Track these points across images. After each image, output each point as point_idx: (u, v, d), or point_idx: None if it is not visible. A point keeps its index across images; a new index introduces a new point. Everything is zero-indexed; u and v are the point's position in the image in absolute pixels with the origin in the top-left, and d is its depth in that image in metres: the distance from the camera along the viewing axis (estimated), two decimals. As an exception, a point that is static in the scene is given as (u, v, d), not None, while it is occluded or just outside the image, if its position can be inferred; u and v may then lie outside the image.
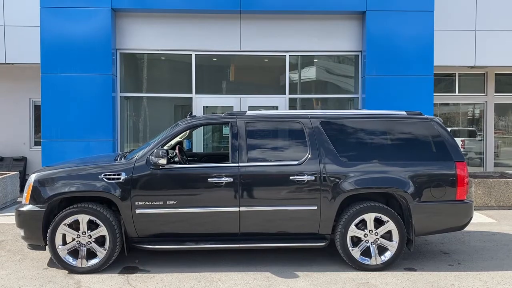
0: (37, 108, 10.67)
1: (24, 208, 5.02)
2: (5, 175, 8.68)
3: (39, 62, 8.96)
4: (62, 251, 4.96)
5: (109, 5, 8.91)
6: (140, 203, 4.98)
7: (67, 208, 4.98)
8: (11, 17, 9.66)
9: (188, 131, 5.75)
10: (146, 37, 9.39)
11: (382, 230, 5.10)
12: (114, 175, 5.00)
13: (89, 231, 4.97)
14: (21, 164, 10.61)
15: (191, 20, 9.37)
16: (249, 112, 5.48)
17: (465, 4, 10.03)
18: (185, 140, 6.74)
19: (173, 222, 5.08)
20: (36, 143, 10.73)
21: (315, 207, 5.07)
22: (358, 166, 5.15)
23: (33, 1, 9.25)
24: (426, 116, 5.50)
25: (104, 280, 4.79)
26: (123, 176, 4.99)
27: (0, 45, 9.64)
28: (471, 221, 5.39)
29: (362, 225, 5.11)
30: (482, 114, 11.67)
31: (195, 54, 9.57)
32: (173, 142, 5.72)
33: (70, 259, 4.97)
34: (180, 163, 5.40)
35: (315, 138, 5.21)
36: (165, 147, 5.28)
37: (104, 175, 4.99)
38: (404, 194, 5.10)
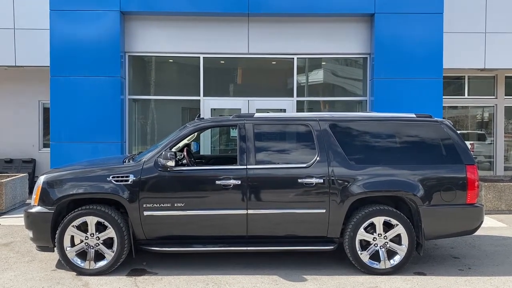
0: (46, 110, 10.75)
1: (33, 210, 5.04)
2: (14, 177, 8.73)
3: (49, 65, 9.02)
4: (70, 252, 4.97)
5: (118, 8, 8.96)
6: (148, 205, 4.98)
7: (75, 210, 4.99)
8: (21, 20, 9.74)
9: (196, 134, 5.74)
10: (155, 40, 9.43)
11: (391, 233, 5.05)
12: (122, 177, 5.00)
13: (97, 233, 4.98)
14: (30, 166, 10.68)
15: (199, 23, 9.39)
16: (257, 115, 5.48)
17: (475, 6, 9.96)
18: (193, 142, 6.74)
19: (181, 224, 5.07)
20: (45, 145, 10.80)
21: (324, 210, 5.04)
22: (367, 169, 5.11)
23: (42, 4, 9.31)
24: (436, 118, 5.46)
25: (112, 282, 4.78)
26: (131, 178, 5.00)
27: (10, 48, 9.73)
28: (482, 225, 5.32)
29: (371, 228, 5.07)
30: (492, 117, 11.56)
31: (203, 57, 9.59)
32: (181, 144, 5.71)
33: (78, 261, 4.98)
34: (188, 165, 5.39)
35: (324, 141, 5.18)
36: (173, 149, 5.27)
37: (112, 177, 5.00)
38: (413, 198, 5.05)
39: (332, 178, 5.05)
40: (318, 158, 5.12)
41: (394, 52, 9.14)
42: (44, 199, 5.01)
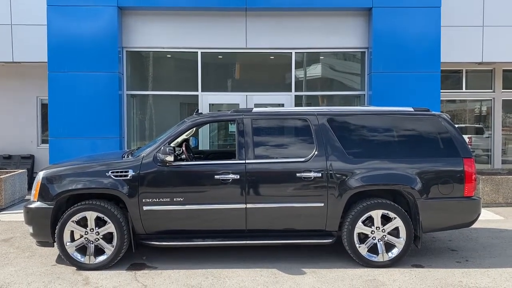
0: (44, 107, 10.74)
1: (33, 205, 5.06)
2: (13, 173, 8.74)
3: (46, 61, 9.01)
4: (70, 247, 4.99)
5: (115, 3, 8.94)
6: (148, 200, 5.00)
7: (75, 205, 5.01)
8: (18, 16, 9.71)
9: (194, 129, 5.75)
10: (152, 35, 9.42)
11: (389, 227, 5.09)
12: (121, 172, 5.02)
13: (97, 228, 5.00)
14: (28, 162, 10.68)
15: (197, 17, 9.38)
16: (255, 109, 5.48)
17: (472, -1, 9.96)
18: (191, 137, 6.74)
19: (180, 219, 5.10)
20: (44, 141, 10.80)
21: (322, 204, 5.07)
22: (365, 163, 5.13)
23: (39, -1, 9.31)
24: (433, 112, 5.48)
25: (112, 277, 4.81)
26: (130, 173, 5.01)
27: (7, 44, 9.71)
28: (479, 218, 5.36)
29: (369, 222, 5.10)
30: (490, 111, 11.59)
31: (201, 52, 9.58)
32: (179, 139, 5.73)
33: (78, 256, 5.01)
34: (187, 160, 5.41)
35: (322, 135, 5.20)
36: (171, 145, 5.29)
37: (111, 172, 5.02)
38: (411, 191, 5.08)
39: (330, 172, 5.08)
40: (316, 152, 5.14)
41: (392, 46, 9.14)
42: (43, 195, 5.03)
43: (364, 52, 9.66)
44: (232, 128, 9.42)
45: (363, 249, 5.08)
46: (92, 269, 4.98)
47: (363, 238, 5.12)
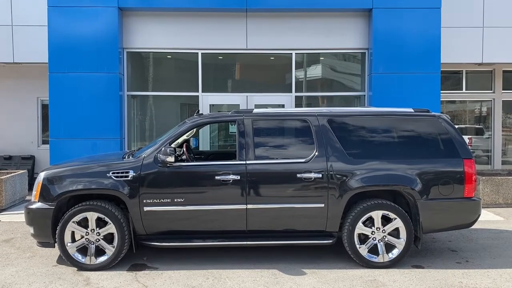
0: (45, 107, 10.75)
1: (34, 206, 5.07)
2: (14, 174, 8.75)
3: (47, 62, 9.02)
4: (71, 248, 5.00)
5: (116, 4, 8.96)
6: (148, 201, 5.01)
7: (76, 206, 5.02)
8: (19, 17, 9.74)
9: (195, 129, 5.77)
10: (153, 36, 9.43)
11: (389, 227, 5.10)
12: (122, 173, 5.03)
13: (97, 229, 5.01)
14: (29, 163, 10.70)
15: (198, 18, 9.40)
16: (256, 110, 5.49)
17: (472, 0, 9.96)
18: (192, 138, 6.76)
19: (180, 219, 5.11)
20: (44, 142, 10.81)
21: (322, 205, 5.08)
22: (365, 163, 5.14)
23: (40, 0, 9.31)
24: (433, 113, 5.48)
25: (113, 277, 4.82)
26: (131, 174, 5.02)
27: (8, 45, 9.72)
28: (479, 219, 5.36)
29: (369, 222, 5.11)
30: (490, 112, 11.60)
31: (201, 53, 9.60)
32: (180, 140, 5.74)
33: (79, 256, 5.02)
34: (187, 161, 5.41)
35: (322, 136, 5.21)
36: (172, 145, 5.30)
37: (112, 173, 5.03)
38: (411, 192, 5.09)
39: (330, 172, 5.09)
40: (316, 153, 5.15)
41: (392, 47, 9.16)
42: (44, 195, 5.04)
43: (364, 53, 9.67)
44: (233, 128, 9.43)
45: (363, 250, 5.09)
46: (93, 270, 4.99)
47: (363, 238, 5.13)
